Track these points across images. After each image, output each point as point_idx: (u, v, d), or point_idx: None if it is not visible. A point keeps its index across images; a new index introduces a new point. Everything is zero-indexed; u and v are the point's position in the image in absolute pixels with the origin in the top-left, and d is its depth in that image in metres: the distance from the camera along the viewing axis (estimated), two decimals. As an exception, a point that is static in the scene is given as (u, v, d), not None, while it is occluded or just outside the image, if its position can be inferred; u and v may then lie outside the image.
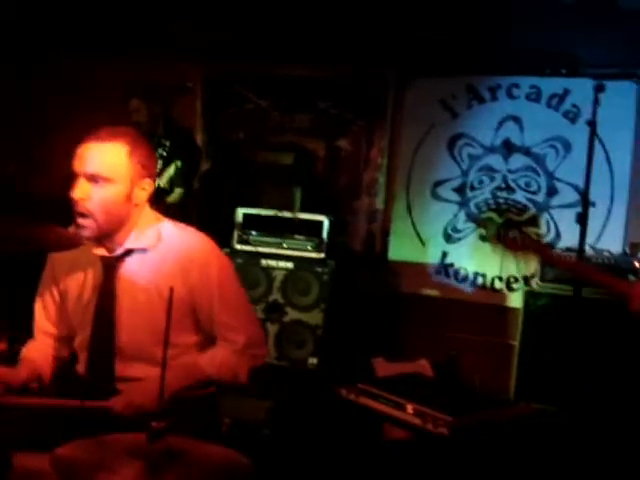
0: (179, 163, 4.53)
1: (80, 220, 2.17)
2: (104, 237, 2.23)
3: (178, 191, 4.52)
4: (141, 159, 2.20)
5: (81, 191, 2.13)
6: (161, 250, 2.25)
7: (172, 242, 2.27)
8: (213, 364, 2.23)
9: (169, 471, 1.57)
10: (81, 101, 5.13)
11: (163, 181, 4.41)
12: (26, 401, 2.08)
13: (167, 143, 4.53)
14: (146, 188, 2.23)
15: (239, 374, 2.26)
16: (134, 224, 2.25)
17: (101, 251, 2.26)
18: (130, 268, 2.25)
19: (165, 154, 4.49)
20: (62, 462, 1.57)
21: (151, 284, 2.22)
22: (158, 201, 2.48)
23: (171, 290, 1.66)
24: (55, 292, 2.37)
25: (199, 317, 2.27)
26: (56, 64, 5.26)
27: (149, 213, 2.31)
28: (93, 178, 2.14)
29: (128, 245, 2.25)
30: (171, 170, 4.48)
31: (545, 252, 3.11)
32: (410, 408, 2.44)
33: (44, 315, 2.40)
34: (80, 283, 2.31)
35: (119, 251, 2.25)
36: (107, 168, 2.14)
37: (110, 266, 2.26)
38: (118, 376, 2.24)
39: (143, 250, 2.25)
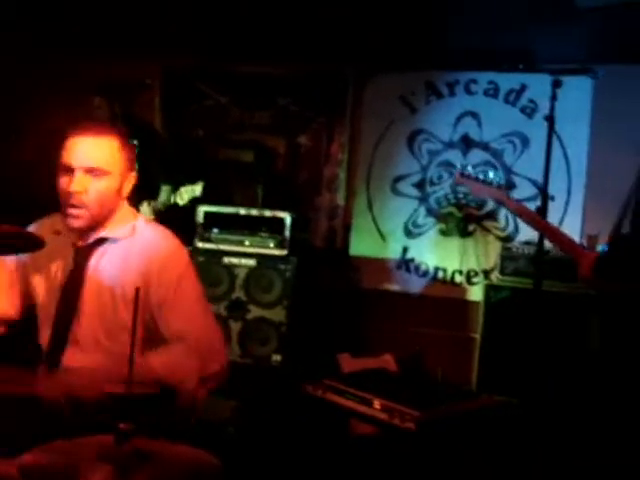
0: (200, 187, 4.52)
1: (72, 210, 2.23)
2: (90, 229, 2.30)
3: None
4: (129, 154, 2.31)
5: (80, 184, 2.20)
6: (130, 244, 2.31)
7: (141, 239, 2.33)
8: (165, 366, 2.18)
9: (138, 473, 1.56)
10: (46, 98, 5.04)
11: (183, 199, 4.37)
12: None
13: (135, 143, 4.48)
14: (132, 181, 2.34)
15: (186, 380, 2.20)
16: (112, 218, 2.33)
17: (75, 239, 2.33)
18: (99, 258, 2.31)
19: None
20: (29, 468, 1.54)
21: (114, 276, 2.27)
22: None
23: (137, 290, 1.65)
24: (19, 273, 2.41)
25: (147, 316, 2.27)
26: (22, 62, 5.16)
27: (127, 208, 2.39)
28: (92, 171, 2.22)
29: (102, 234, 2.31)
30: (197, 191, 4.45)
31: (509, 200, 3.09)
32: (377, 403, 2.45)
33: None
34: (51, 268, 2.35)
35: (91, 239, 2.31)
36: (106, 161, 2.23)
37: (82, 254, 2.31)
38: (67, 363, 2.26)
39: (114, 240, 2.31)
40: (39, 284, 2.38)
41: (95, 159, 2.22)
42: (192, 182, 4.48)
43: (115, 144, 2.26)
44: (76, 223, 2.25)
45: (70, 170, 2.22)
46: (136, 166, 2.41)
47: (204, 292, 2.41)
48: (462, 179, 3.17)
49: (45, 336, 2.34)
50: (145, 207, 4.37)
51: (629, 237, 2.42)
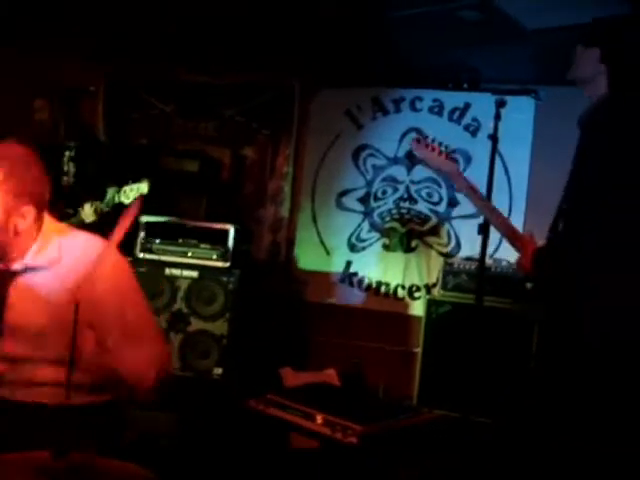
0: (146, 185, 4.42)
1: None
2: None
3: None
4: (16, 188, 2.04)
5: None
6: (62, 266, 2.13)
7: (73, 257, 2.15)
8: (122, 361, 2.09)
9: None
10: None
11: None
12: None
13: (72, 144, 4.40)
14: (26, 216, 2.08)
15: (145, 379, 2.10)
16: (32, 240, 2.13)
17: None
18: (29, 281, 2.13)
19: (73, 155, 4.35)
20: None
21: (48, 299, 2.09)
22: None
23: (76, 307, 1.61)
24: None
25: (100, 329, 2.18)
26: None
27: (49, 227, 2.19)
28: None
29: (28, 262, 2.12)
30: (143, 189, 4.34)
31: (462, 177, 3.06)
32: (319, 418, 2.44)
33: None
34: None
35: (18, 267, 2.12)
36: None
37: (4, 279, 2.12)
38: None
39: (43, 268, 2.12)
40: None
41: None
42: (138, 180, 4.39)
43: None
44: None
45: None
46: (44, 193, 2.15)
47: (144, 298, 2.33)
48: (419, 146, 3.14)
49: None
50: (87, 209, 4.28)
51: (563, 233, 2.49)
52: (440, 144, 3.12)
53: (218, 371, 4.34)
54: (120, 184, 4.26)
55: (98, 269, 2.07)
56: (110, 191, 4.27)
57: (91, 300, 2.05)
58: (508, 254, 4.55)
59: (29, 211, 2.08)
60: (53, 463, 1.53)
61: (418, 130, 5.00)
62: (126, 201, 4.21)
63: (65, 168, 4.35)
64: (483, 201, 3.01)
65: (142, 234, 4.51)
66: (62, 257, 2.15)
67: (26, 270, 2.14)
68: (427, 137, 3.20)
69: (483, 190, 3.62)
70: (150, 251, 4.50)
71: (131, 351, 2.13)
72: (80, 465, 1.57)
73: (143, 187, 4.24)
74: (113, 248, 2.08)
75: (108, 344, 2.16)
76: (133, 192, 4.23)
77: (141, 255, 4.50)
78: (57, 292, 2.09)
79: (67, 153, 4.33)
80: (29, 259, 2.14)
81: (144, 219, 4.53)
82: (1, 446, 1.66)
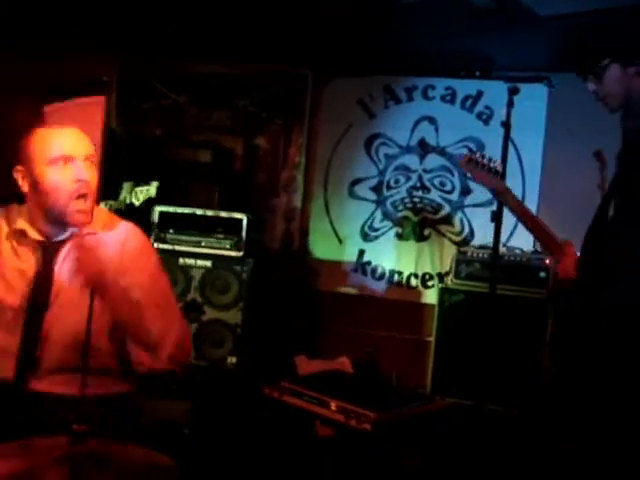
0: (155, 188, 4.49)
1: (81, 204, 2.13)
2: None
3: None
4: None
5: (87, 172, 2.14)
6: (102, 239, 2.20)
7: (113, 233, 2.25)
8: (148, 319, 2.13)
9: (93, 474, 1.54)
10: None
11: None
12: None
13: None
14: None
15: (165, 343, 2.17)
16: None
17: (38, 237, 2.20)
18: (70, 254, 2.15)
19: None
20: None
21: (87, 271, 2.13)
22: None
23: (92, 292, 1.63)
24: None
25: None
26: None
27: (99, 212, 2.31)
28: (90, 158, 2.16)
29: (75, 230, 2.19)
30: (152, 192, 4.40)
31: (511, 195, 3.05)
32: (333, 405, 2.46)
33: None
34: (15, 270, 2.20)
35: (63, 235, 2.19)
36: (94, 149, 2.19)
37: (51, 252, 2.19)
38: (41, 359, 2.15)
39: (86, 235, 2.19)
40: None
41: (89, 147, 2.17)
42: (147, 182, 4.43)
43: (81, 132, 2.21)
44: (85, 218, 2.15)
45: (68, 160, 2.11)
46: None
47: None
48: (467, 164, 3.13)
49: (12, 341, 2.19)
50: (102, 207, 4.32)
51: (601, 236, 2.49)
52: (490, 160, 3.12)
53: (232, 360, 4.36)
54: (135, 179, 4.29)
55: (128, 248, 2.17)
56: (125, 187, 4.30)
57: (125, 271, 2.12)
58: (521, 242, 4.56)
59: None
60: (72, 448, 1.55)
61: (431, 118, 4.99)
62: (136, 203, 4.25)
63: None
64: (527, 216, 3.00)
65: (156, 224, 4.53)
66: (104, 230, 2.24)
67: (66, 240, 2.21)
68: (476, 153, 3.21)
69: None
70: (164, 241, 4.52)
71: (157, 313, 2.16)
72: (99, 451, 1.59)
73: (152, 190, 4.28)
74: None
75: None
76: (142, 194, 4.26)
77: (155, 245, 4.51)
78: (85, 262, 2.11)
79: None
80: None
81: (158, 209, 4.55)
82: (22, 432, 1.69)
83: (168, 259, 4.44)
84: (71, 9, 4.30)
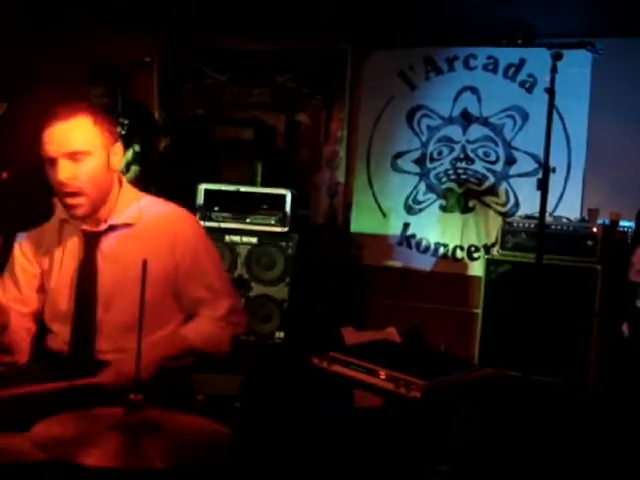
0: (137, 147, 4.52)
1: (70, 200, 2.19)
2: (93, 213, 2.25)
3: (134, 169, 4.51)
4: (106, 126, 2.24)
5: (66, 171, 2.15)
6: (143, 225, 2.29)
7: (154, 217, 2.31)
8: (197, 334, 2.25)
9: (148, 441, 1.57)
10: (38, 86, 4.99)
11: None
12: (14, 392, 2.03)
13: (126, 122, 4.48)
14: (118, 152, 2.27)
15: (222, 343, 2.30)
16: (115, 201, 2.29)
17: (83, 227, 2.29)
18: (112, 243, 2.28)
19: (124, 133, 4.43)
20: (43, 437, 1.56)
21: (134, 259, 2.19)
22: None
23: (144, 263, 1.65)
24: (26, 268, 2.36)
25: (181, 290, 2.29)
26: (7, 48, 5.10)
27: (129, 189, 2.35)
28: (72, 155, 2.16)
29: (112, 221, 2.28)
30: (129, 155, 4.45)
31: None
32: (382, 374, 2.47)
33: (14, 292, 2.37)
34: (57, 258, 2.32)
35: (103, 227, 2.28)
36: (83, 142, 2.17)
37: (92, 241, 2.28)
38: (100, 350, 2.25)
39: (126, 226, 2.28)
40: (50, 275, 2.33)
41: (71, 142, 2.15)
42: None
43: (87, 121, 2.17)
44: (78, 211, 2.20)
45: (53, 160, 2.16)
46: (119, 135, 2.38)
47: (218, 255, 2.48)
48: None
49: (59, 332, 2.32)
50: None
51: None
52: None
53: (280, 335, 4.41)
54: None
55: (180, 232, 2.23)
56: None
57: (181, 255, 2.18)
58: (567, 211, 4.52)
59: (120, 147, 2.29)
60: (127, 418, 1.58)
61: (473, 89, 4.94)
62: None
63: None
64: None
65: (201, 202, 4.58)
66: (141, 217, 2.30)
67: (108, 230, 2.28)
68: None
69: (541, 147, 3.59)
70: (210, 219, 4.57)
71: (209, 313, 2.24)
72: (154, 420, 1.62)
73: (129, 154, 4.41)
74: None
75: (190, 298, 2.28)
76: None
77: (201, 223, 4.56)
78: (138, 251, 2.19)
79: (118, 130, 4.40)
80: (114, 218, 2.29)
81: (202, 187, 4.59)
82: (79, 404, 1.73)
83: (214, 236, 4.47)
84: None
